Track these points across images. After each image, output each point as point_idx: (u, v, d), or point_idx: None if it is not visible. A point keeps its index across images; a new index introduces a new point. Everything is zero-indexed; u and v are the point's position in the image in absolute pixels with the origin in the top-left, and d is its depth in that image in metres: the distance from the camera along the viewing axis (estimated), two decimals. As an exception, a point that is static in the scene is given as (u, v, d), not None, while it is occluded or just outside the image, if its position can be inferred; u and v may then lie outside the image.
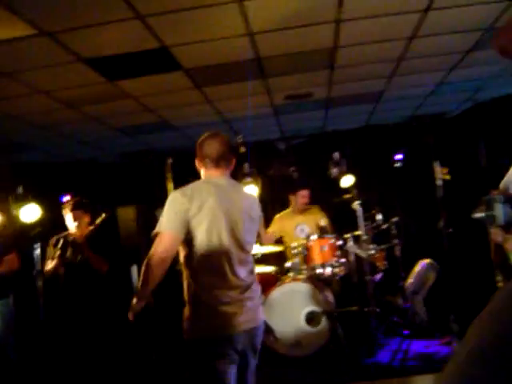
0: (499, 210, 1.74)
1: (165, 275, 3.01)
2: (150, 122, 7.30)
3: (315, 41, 5.01)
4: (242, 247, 3.16)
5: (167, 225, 2.99)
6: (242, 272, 3.13)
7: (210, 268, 3.04)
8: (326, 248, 6.04)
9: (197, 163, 3.35)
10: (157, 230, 3.00)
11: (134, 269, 6.36)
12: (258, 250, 6.05)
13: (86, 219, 5.56)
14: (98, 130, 7.34)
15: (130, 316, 3.05)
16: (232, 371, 3.00)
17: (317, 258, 6.01)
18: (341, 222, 6.75)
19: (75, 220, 5.44)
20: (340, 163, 7.08)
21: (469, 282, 6.41)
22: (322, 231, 6.44)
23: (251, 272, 3.23)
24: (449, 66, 6.14)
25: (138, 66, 5.23)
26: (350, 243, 6.17)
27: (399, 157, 8.19)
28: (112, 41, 4.54)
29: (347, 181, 6.87)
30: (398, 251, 6.57)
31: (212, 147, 3.29)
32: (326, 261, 6.01)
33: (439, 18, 4.66)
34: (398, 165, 8.17)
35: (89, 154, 8.88)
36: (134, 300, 3.04)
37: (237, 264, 3.10)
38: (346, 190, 6.64)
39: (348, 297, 6.30)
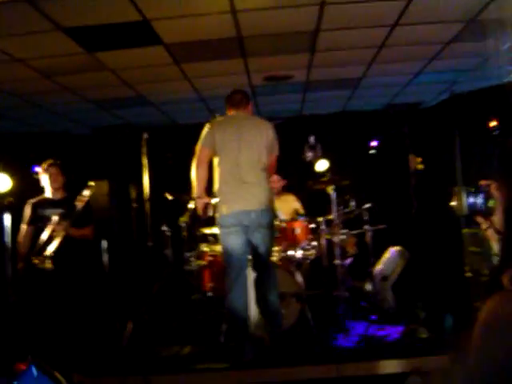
0: (464, 200, 1.80)
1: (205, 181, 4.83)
2: (126, 96, 7.22)
3: (298, 23, 4.99)
4: (249, 158, 4.84)
5: (200, 142, 4.86)
6: (244, 175, 4.79)
7: (222, 170, 4.82)
8: (298, 231, 6.06)
9: (227, 109, 5.13)
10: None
11: (105, 243, 6.32)
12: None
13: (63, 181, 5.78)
14: (73, 101, 7.24)
15: (200, 212, 4.94)
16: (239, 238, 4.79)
17: (288, 240, 6.03)
18: (314, 206, 6.77)
19: (59, 180, 5.59)
20: (315, 147, 7.09)
21: (437, 271, 6.50)
22: (295, 214, 6.47)
23: (251, 182, 4.81)
24: (429, 56, 6.17)
25: (118, 39, 5.16)
26: (322, 227, 6.20)
27: (374, 144, 8.23)
28: (93, 11, 4.46)
29: (322, 165, 6.88)
30: (369, 237, 6.62)
31: (233, 98, 5.11)
32: (298, 243, 6.03)
33: (423, 6, 4.67)
34: (373, 152, 8.21)
35: (62, 126, 8.75)
36: (198, 203, 4.89)
37: (241, 169, 4.80)
38: (321, 174, 6.65)
39: (317, 280, 6.35)
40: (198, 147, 4.85)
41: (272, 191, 5.09)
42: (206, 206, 4.89)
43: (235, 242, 4.82)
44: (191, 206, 5.63)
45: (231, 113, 5.10)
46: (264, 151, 4.95)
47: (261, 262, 4.95)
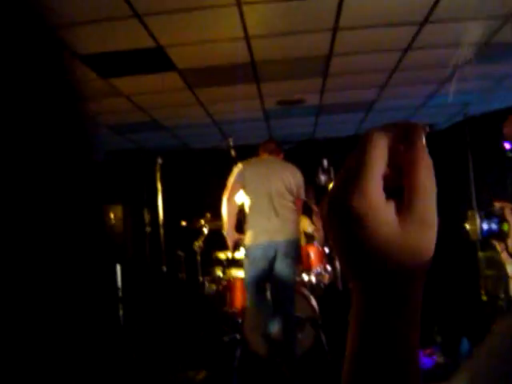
0: (477, 224, 1.81)
1: (235, 216, 5.03)
2: (140, 121, 7.27)
3: (311, 48, 5.02)
4: (279, 191, 4.97)
5: (231, 177, 5.00)
6: (275, 207, 4.93)
7: (252, 203, 4.95)
8: (313, 255, 6.04)
9: (260, 152, 5.31)
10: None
11: (118, 268, 6.33)
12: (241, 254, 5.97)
13: None
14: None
15: (230, 248, 5.27)
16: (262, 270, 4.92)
17: (303, 265, 6.01)
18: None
19: None
20: (328, 171, 7.08)
21: (453, 294, 6.44)
22: (308, 238, 6.45)
23: (279, 215, 4.94)
24: (441, 79, 6.18)
25: (132, 65, 5.21)
26: (337, 251, 6.17)
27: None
28: (108, 38, 4.52)
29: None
30: (383, 261, 6.57)
31: (267, 145, 5.35)
32: (312, 267, 6.01)
33: (435, 31, 4.69)
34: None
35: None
36: (228, 240, 5.12)
37: (271, 201, 4.92)
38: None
39: (332, 304, 6.31)
40: (230, 182, 5.02)
41: (299, 225, 5.30)
42: (236, 242, 5.18)
43: (257, 273, 4.96)
44: (206, 230, 5.66)
45: (264, 155, 5.30)
46: (294, 188, 5.12)
47: (280, 289, 5.08)
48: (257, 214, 4.98)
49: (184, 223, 6.20)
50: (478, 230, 1.74)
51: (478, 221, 1.73)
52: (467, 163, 7.46)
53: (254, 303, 5.00)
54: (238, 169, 5.05)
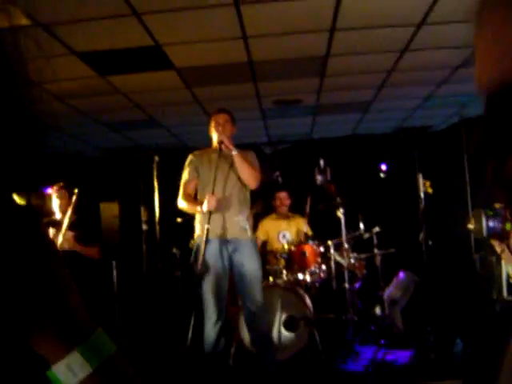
0: (483, 223, 1.84)
1: None
2: (137, 119, 7.28)
3: (308, 48, 5.05)
4: None
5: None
6: None
7: None
8: (308, 254, 6.06)
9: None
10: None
11: (114, 265, 6.34)
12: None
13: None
14: (84, 123, 7.31)
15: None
16: None
17: (298, 264, 6.03)
18: (323, 229, 6.77)
19: (65, 203, 5.58)
20: (325, 171, 7.11)
21: (447, 295, 6.47)
22: (304, 238, 6.47)
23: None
24: (438, 80, 6.21)
25: (130, 63, 5.22)
26: (332, 250, 6.20)
27: (384, 167, 8.24)
28: (106, 36, 4.53)
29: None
30: (378, 261, 6.60)
31: None
32: (307, 267, 6.03)
33: (432, 33, 4.72)
34: (382, 175, 8.22)
35: (74, 148, 8.83)
36: None
37: None
38: (331, 198, 6.66)
39: (326, 304, 6.33)
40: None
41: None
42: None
43: None
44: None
45: None
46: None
47: None
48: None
49: (179, 220, 6.21)
50: (484, 229, 1.77)
51: (484, 220, 1.76)
52: (463, 165, 7.50)
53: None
54: None
